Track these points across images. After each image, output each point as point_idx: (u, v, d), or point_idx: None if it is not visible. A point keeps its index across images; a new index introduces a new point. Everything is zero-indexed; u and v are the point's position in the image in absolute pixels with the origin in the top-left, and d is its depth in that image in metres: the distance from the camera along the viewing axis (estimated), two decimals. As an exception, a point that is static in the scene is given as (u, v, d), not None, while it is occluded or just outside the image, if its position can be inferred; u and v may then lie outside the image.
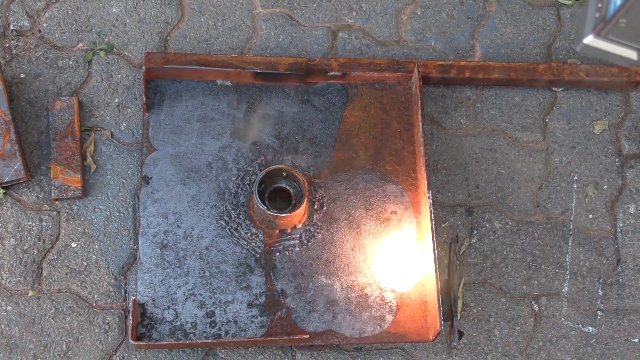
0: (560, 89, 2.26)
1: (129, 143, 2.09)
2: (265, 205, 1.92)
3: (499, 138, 2.22)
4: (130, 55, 2.16)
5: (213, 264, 1.97)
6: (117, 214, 2.03)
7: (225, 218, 2.01)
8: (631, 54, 1.28)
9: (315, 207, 2.04)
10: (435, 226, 1.93)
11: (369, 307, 1.97)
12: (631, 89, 2.27)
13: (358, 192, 2.07)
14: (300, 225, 2.02)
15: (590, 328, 2.11)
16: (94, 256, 2.00)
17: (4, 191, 2.00)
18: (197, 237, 1.98)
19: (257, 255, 1.98)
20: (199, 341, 1.87)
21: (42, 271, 1.98)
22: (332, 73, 2.12)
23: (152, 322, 1.91)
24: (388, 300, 1.98)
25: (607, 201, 2.20)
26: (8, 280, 1.96)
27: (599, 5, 1.29)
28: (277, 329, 1.93)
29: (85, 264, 1.99)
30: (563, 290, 2.13)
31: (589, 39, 1.28)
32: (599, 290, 2.14)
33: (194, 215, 2.00)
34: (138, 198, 2.02)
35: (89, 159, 2.05)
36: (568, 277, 2.14)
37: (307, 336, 1.89)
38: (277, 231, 2.00)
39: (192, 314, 1.92)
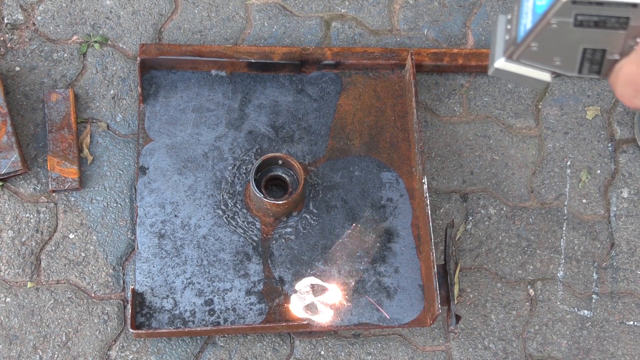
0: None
1: (125, 134, 2.10)
2: (262, 193, 1.94)
3: (492, 125, 2.23)
4: (124, 47, 2.17)
5: (211, 252, 1.98)
6: (115, 204, 2.04)
7: (222, 207, 2.02)
8: (544, 76, 1.26)
9: (311, 194, 2.05)
10: (430, 212, 1.95)
11: (366, 292, 1.98)
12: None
13: (353, 179, 2.08)
14: (296, 213, 2.03)
15: (585, 311, 2.13)
16: (92, 247, 2.01)
17: (1, 183, 2.01)
18: (194, 226, 2.00)
19: (255, 244, 2.00)
20: (198, 329, 1.88)
21: (40, 263, 1.99)
22: (326, 62, 2.14)
23: (151, 311, 1.92)
24: (385, 286, 1.99)
25: (601, 186, 2.22)
26: (7, 272, 1.97)
27: (508, 27, 1.26)
28: (276, 316, 1.94)
29: (83, 255, 2.00)
30: (558, 275, 2.15)
31: (500, 63, 1.25)
32: (594, 274, 2.16)
33: (191, 205, 2.01)
34: (135, 188, 2.03)
35: (86, 151, 2.06)
36: (563, 261, 2.16)
37: (306, 322, 1.90)
38: (274, 219, 2.01)
39: (190, 303, 1.93)
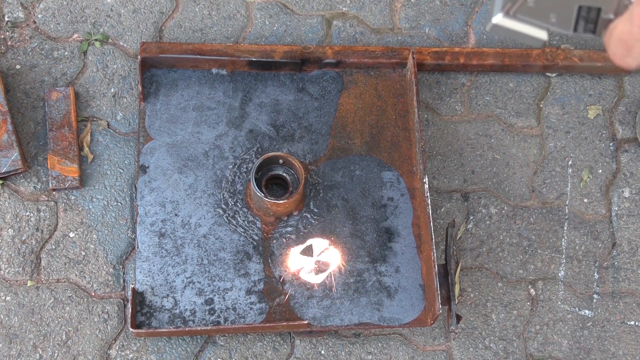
0: (554, 75, 2.28)
1: (125, 133, 2.09)
2: (263, 192, 1.93)
3: (493, 124, 2.23)
4: (125, 45, 2.16)
5: (211, 251, 1.97)
6: (115, 203, 2.04)
7: (223, 206, 2.01)
8: (541, 34, 1.26)
9: (312, 194, 2.05)
10: (431, 212, 1.94)
11: (366, 292, 1.98)
12: (624, 73, 2.28)
13: (354, 178, 2.08)
14: (297, 212, 2.02)
15: (586, 311, 2.13)
16: (92, 246, 2.00)
17: (2, 182, 2.01)
18: (194, 225, 1.99)
19: (255, 243, 1.99)
20: (198, 328, 1.87)
21: (40, 261, 1.98)
22: (327, 61, 2.13)
23: (151, 310, 1.92)
24: (386, 286, 1.99)
25: (602, 185, 2.22)
26: (7, 270, 1.97)
27: None
28: (276, 316, 1.94)
29: (83, 253, 2.00)
30: (559, 274, 2.14)
31: (498, 18, 1.26)
32: (595, 274, 2.15)
33: (192, 204, 2.01)
34: (135, 187, 2.03)
35: (86, 149, 2.06)
36: (564, 261, 2.15)
37: (306, 322, 1.90)
38: (275, 218, 2.01)
39: (191, 302, 1.93)
